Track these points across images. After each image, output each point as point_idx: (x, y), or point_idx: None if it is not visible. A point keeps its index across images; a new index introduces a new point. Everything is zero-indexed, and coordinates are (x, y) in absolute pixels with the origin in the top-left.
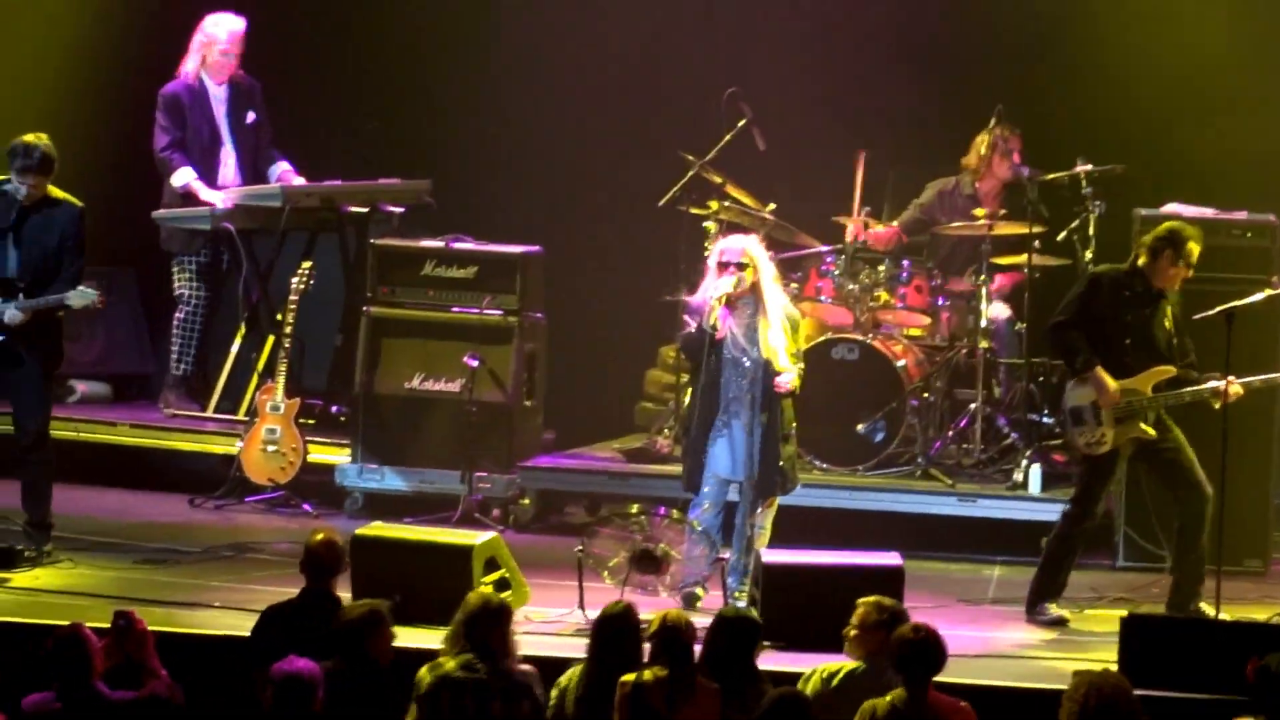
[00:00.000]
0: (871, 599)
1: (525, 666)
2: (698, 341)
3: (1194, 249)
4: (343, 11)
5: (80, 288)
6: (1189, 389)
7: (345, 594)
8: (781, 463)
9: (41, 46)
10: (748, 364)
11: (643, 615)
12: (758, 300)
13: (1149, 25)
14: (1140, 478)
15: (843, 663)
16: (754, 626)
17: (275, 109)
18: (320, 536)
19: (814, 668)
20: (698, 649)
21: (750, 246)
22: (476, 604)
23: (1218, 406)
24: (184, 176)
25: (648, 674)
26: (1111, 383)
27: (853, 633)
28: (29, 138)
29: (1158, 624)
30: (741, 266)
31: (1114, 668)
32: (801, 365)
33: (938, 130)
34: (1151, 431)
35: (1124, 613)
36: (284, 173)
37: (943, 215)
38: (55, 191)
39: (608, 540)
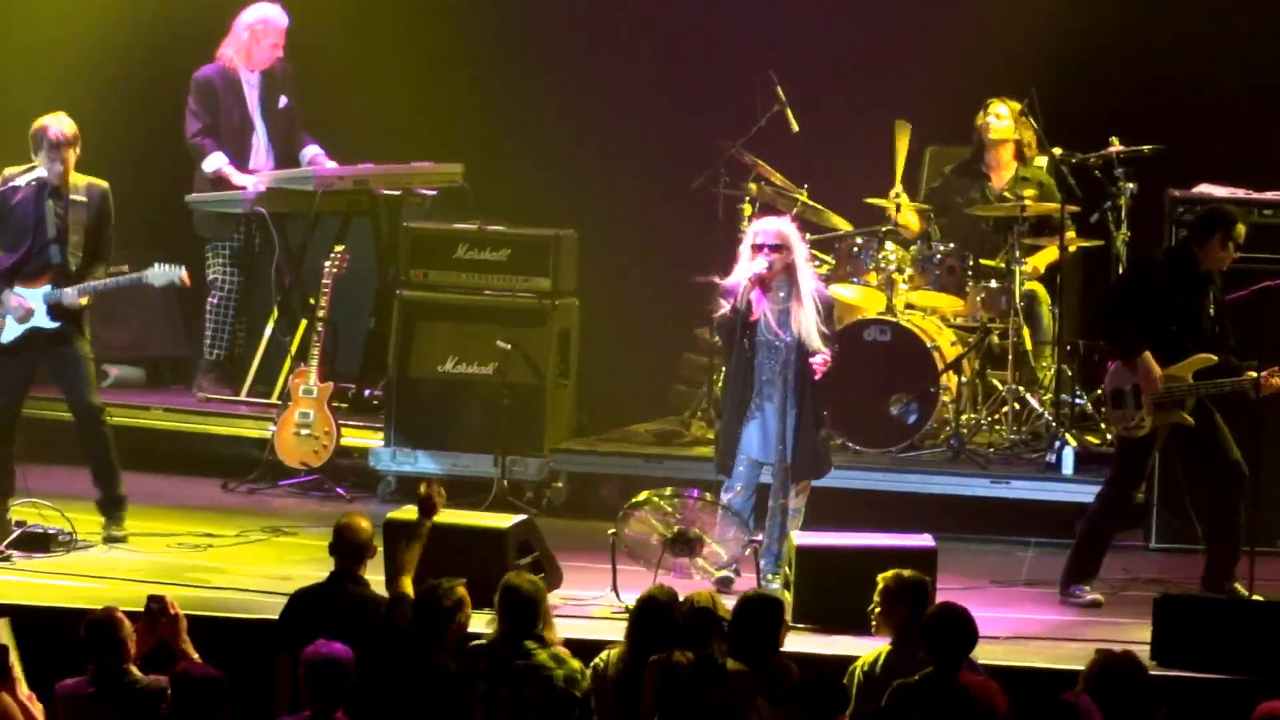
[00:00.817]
0: (890, 573)
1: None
2: (731, 324)
3: (1242, 229)
4: None
5: (160, 265)
6: (1229, 380)
7: (377, 577)
8: (816, 445)
9: (74, 28)
10: (781, 346)
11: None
12: (791, 282)
13: (1182, 5)
14: (1174, 458)
15: (877, 648)
16: (777, 606)
17: (308, 92)
18: (349, 520)
19: (852, 664)
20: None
21: (784, 228)
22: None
23: (1253, 397)
24: (215, 162)
25: (678, 655)
26: (1155, 369)
27: (877, 609)
28: (52, 116)
29: (1191, 605)
30: (775, 249)
31: (1146, 649)
32: (835, 347)
33: (972, 109)
34: (1190, 419)
35: (1157, 594)
36: (315, 156)
37: (959, 193)
38: (77, 175)
39: (641, 523)
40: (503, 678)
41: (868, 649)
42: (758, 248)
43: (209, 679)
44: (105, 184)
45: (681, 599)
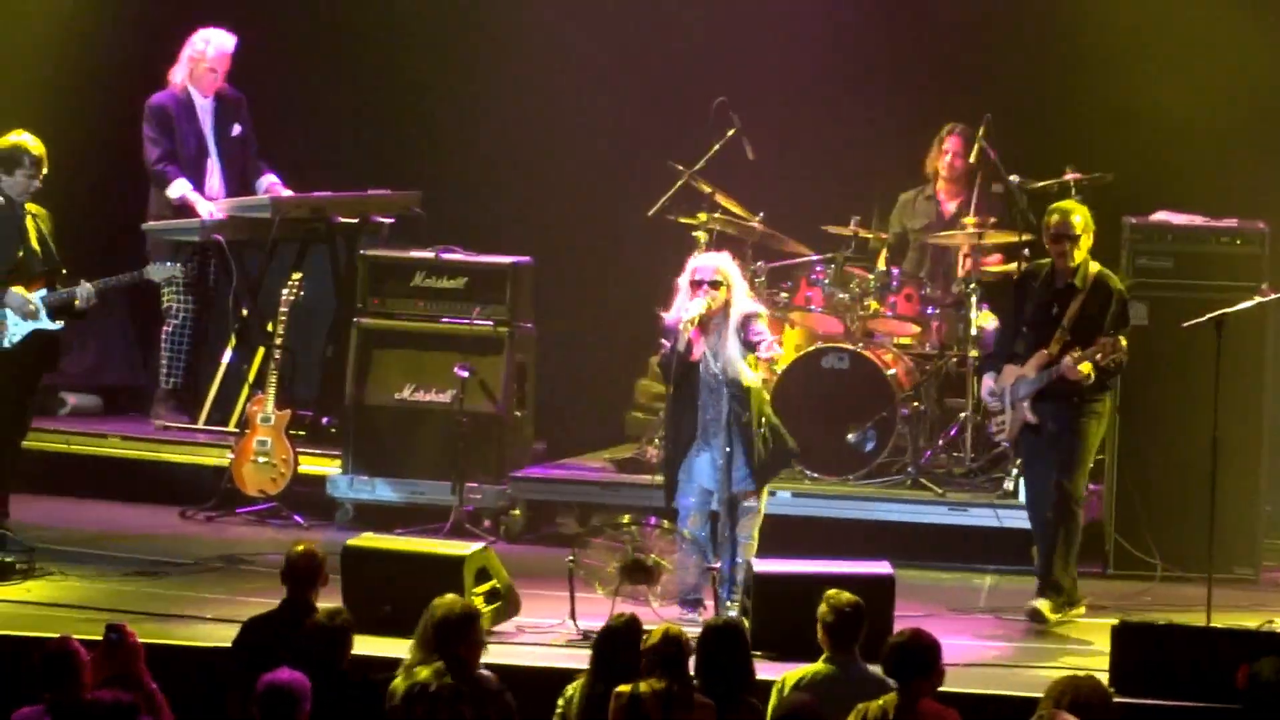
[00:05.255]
0: (829, 594)
1: (487, 673)
2: (670, 363)
3: (1049, 220)
4: (333, 23)
5: (155, 263)
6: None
7: (335, 605)
8: (760, 460)
9: (30, 56)
10: (719, 385)
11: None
12: (728, 319)
13: (1138, 34)
14: (1130, 485)
15: (807, 667)
16: (737, 631)
17: (265, 120)
18: (300, 548)
19: (783, 675)
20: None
21: (723, 264)
22: (444, 612)
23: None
24: (180, 188)
25: (644, 685)
26: (1009, 370)
27: (818, 632)
28: (23, 136)
29: (1150, 632)
30: (715, 285)
31: (1105, 676)
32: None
33: (927, 137)
34: (1032, 417)
35: (1115, 620)
36: (271, 184)
37: (911, 223)
38: None
39: (599, 550)
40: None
41: None
42: (697, 284)
43: (120, 705)
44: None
45: (653, 629)
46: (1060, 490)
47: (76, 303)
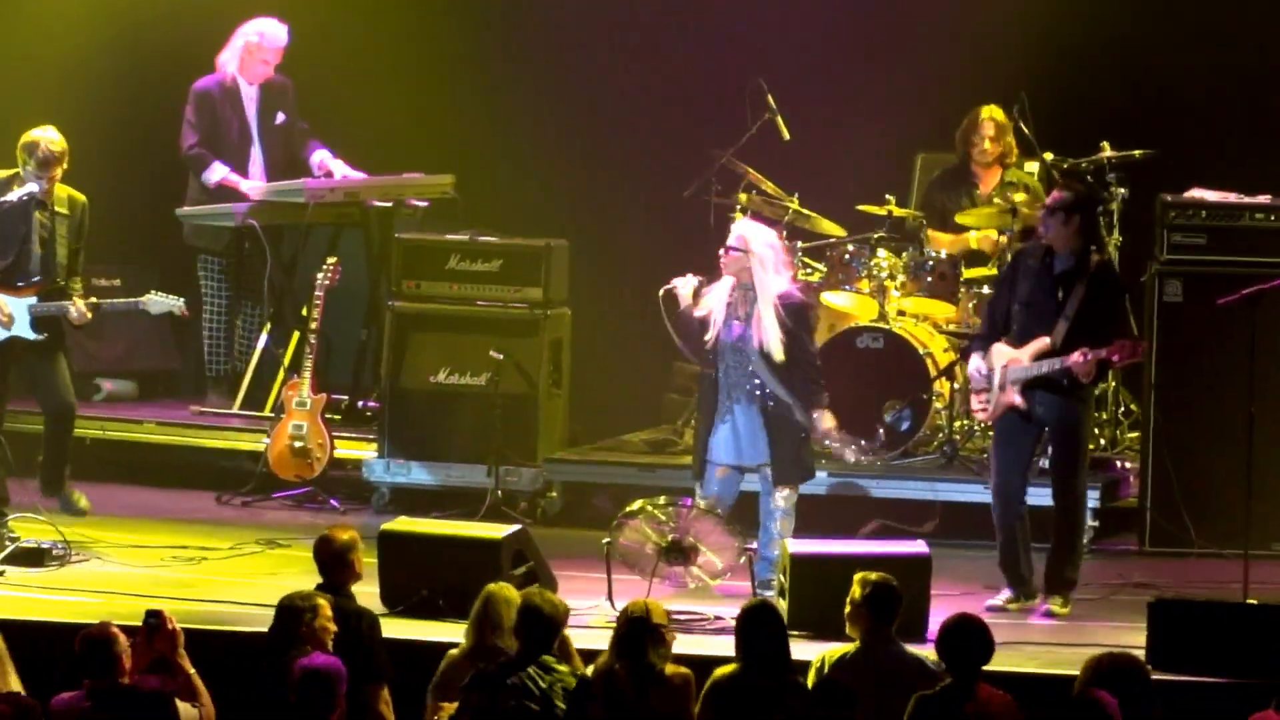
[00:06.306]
0: (859, 576)
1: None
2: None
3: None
4: (369, 6)
5: (158, 294)
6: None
7: (372, 589)
8: (796, 448)
9: (61, 36)
10: (744, 350)
11: (667, 606)
12: (755, 287)
13: (1176, 10)
14: (1166, 462)
15: (837, 647)
16: (772, 612)
17: (301, 102)
18: (328, 533)
19: (821, 654)
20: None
21: (746, 231)
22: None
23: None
24: (218, 172)
25: (617, 665)
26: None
27: (847, 609)
28: (43, 131)
29: (1185, 608)
30: (729, 250)
31: (1142, 653)
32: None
33: (962, 114)
34: (1021, 403)
35: (1151, 597)
36: (322, 161)
37: (947, 200)
38: (60, 186)
39: (635, 532)
40: (481, 686)
41: None
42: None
43: (159, 690)
44: (84, 198)
45: (678, 607)
46: (1065, 492)
47: (69, 317)
